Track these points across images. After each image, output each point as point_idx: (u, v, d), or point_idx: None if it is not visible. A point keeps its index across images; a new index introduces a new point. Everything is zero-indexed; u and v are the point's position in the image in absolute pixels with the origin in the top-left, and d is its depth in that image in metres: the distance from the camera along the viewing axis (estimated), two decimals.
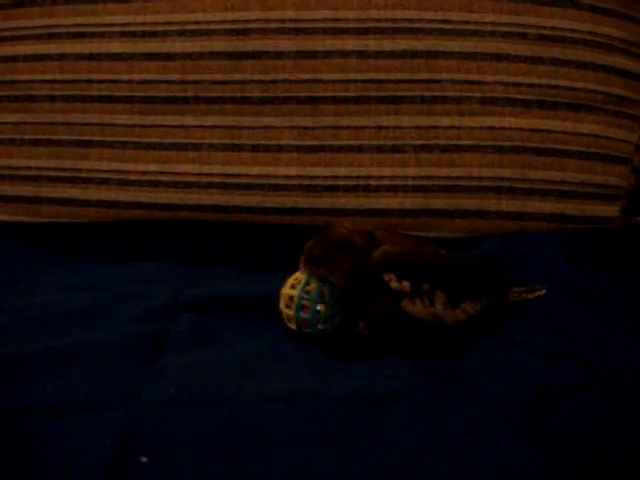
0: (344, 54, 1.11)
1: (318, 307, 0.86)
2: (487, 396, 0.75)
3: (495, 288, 0.91)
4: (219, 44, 1.13)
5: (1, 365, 0.81)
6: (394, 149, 1.11)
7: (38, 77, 1.17)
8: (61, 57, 1.16)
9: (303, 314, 0.86)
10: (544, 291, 0.94)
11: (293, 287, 0.87)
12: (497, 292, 0.91)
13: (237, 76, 1.12)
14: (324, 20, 1.12)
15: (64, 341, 0.86)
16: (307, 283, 0.86)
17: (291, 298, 0.87)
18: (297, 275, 0.88)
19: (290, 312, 0.87)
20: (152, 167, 1.14)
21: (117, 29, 1.15)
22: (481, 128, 1.11)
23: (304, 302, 0.86)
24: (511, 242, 1.08)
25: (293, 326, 0.87)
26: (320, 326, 0.87)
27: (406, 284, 0.82)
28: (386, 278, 0.82)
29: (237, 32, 1.12)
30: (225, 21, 1.13)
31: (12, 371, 0.80)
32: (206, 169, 1.13)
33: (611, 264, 1.06)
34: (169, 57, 1.13)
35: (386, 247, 0.83)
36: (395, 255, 0.83)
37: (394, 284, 0.82)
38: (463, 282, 0.87)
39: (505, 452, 0.67)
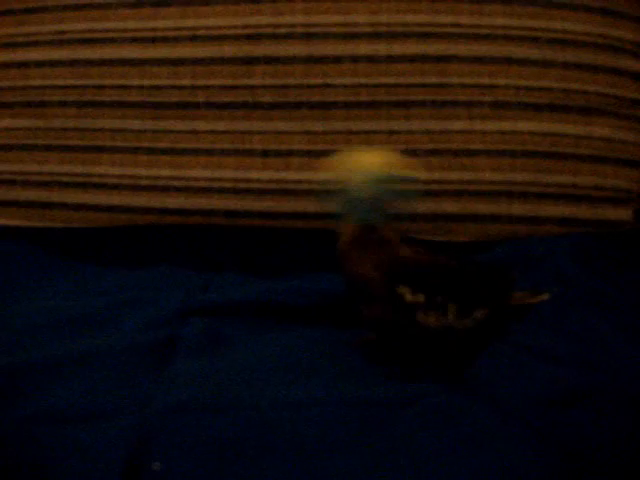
0: (355, 59, 1.11)
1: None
2: (499, 402, 0.75)
3: (498, 291, 0.90)
4: (230, 49, 1.13)
5: (12, 371, 0.81)
6: (405, 153, 1.11)
7: (50, 83, 1.17)
8: (72, 63, 1.17)
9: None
10: (547, 296, 0.93)
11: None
12: (500, 295, 0.90)
13: (248, 81, 1.13)
14: (335, 25, 1.12)
15: (74, 347, 0.86)
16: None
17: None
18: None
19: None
20: (163, 172, 1.14)
21: (128, 35, 1.16)
22: (492, 132, 1.11)
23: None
24: (522, 246, 1.08)
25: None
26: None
27: (421, 297, 0.82)
28: (401, 290, 0.82)
29: (248, 37, 1.13)
30: (235, 26, 1.13)
31: (22, 377, 0.80)
32: (217, 174, 1.13)
33: (623, 268, 1.06)
34: (180, 62, 1.14)
35: (405, 250, 0.83)
36: (408, 267, 0.83)
37: (409, 297, 0.82)
38: (472, 290, 0.86)
39: (518, 459, 0.67)
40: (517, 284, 0.92)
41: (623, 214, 1.14)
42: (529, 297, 0.92)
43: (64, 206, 1.16)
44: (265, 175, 1.12)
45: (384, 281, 0.82)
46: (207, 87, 1.13)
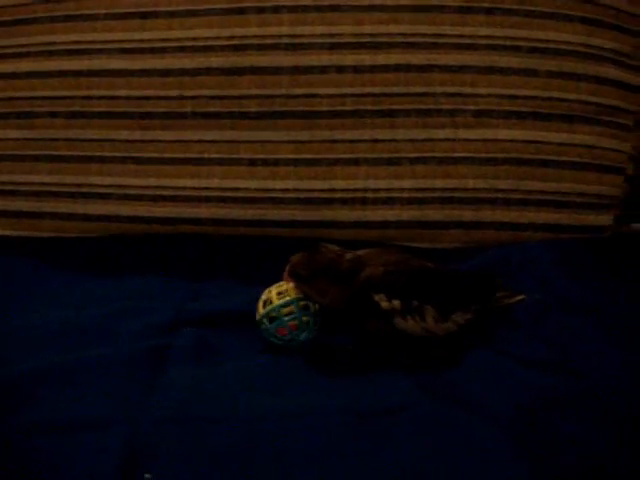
0: (340, 69, 1.13)
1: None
2: (484, 410, 0.76)
3: (483, 294, 0.92)
4: (216, 60, 1.14)
5: (3, 382, 0.82)
6: (390, 162, 1.13)
7: (39, 94, 1.18)
8: (61, 74, 1.17)
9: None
10: (524, 296, 0.94)
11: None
12: (485, 298, 0.92)
13: (235, 91, 1.14)
14: (320, 35, 1.13)
15: (66, 357, 0.86)
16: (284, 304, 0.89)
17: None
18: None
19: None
20: (152, 182, 1.15)
21: (116, 46, 1.16)
22: (476, 140, 1.13)
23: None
24: (505, 252, 1.09)
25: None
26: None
27: (396, 303, 0.84)
28: (376, 299, 0.83)
29: (234, 48, 1.14)
30: (222, 37, 1.14)
31: (14, 388, 0.81)
32: (205, 183, 1.15)
33: (605, 273, 1.08)
34: (167, 73, 1.15)
35: (371, 269, 0.85)
36: (382, 275, 0.84)
37: (385, 304, 0.83)
38: (451, 294, 0.88)
39: (499, 465, 0.69)
40: (503, 288, 0.94)
41: (605, 220, 1.16)
42: (507, 298, 0.94)
43: (54, 216, 1.18)
44: (252, 184, 1.14)
45: (358, 292, 0.84)
46: (194, 97, 1.15)
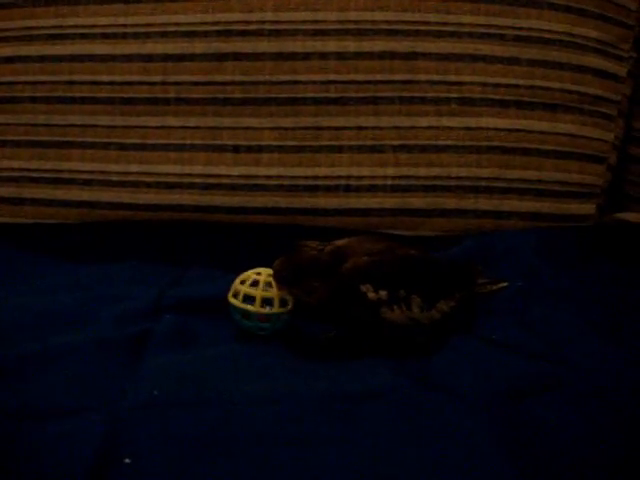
0: (324, 55, 1.12)
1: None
2: (463, 395, 0.76)
3: (464, 281, 0.92)
4: (200, 46, 1.13)
5: None
6: (374, 149, 1.12)
7: (20, 79, 1.17)
8: (42, 59, 1.16)
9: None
10: (507, 283, 0.95)
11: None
12: (466, 285, 0.92)
13: (218, 77, 1.13)
14: (304, 22, 1.12)
15: (46, 343, 0.86)
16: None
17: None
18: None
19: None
20: (134, 168, 1.15)
21: (98, 30, 1.15)
22: (459, 128, 1.12)
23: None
24: (487, 240, 1.10)
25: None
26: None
27: (383, 293, 0.83)
28: (363, 289, 0.83)
29: (217, 34, 1.13)
30: (205, 23, 1.13)
31: None
32: (188, 170, 1.14)
33: (586, 262, 1.08)
34: (150, 58, 1.14)
35: (354, 259, 0.84)
36: (367, 265, 0.84)
37: (371, 294, 0.83)
38: (436, 282, 0.88)
39: (477, 452, 0.69)
40: (483, 275, 0.94)
41: (587, 209, 1.16)
42: (490, 285, 0.94)
43: (34, 202, 1.17)
44: (235, 171, 1.13)
45: (343, 283, 0.83)
46: (177, 83, 1.14)
